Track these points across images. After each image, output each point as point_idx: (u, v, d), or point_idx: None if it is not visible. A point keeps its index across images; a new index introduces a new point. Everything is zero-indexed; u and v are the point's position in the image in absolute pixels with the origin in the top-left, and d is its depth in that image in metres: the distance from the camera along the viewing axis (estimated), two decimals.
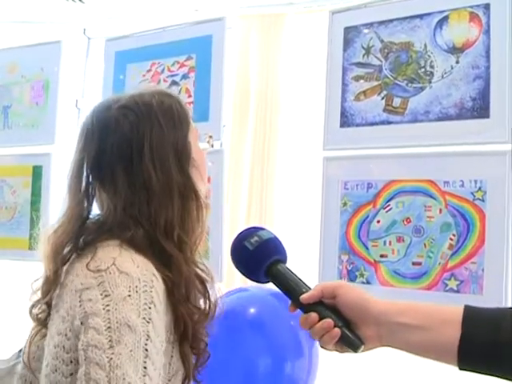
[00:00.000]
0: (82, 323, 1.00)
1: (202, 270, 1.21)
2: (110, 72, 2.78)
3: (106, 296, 1.01)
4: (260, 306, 1.25)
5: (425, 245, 2.12)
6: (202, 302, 1.21)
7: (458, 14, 2.14)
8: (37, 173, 2.85)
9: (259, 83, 3.35)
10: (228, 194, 3.33)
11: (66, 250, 1.15)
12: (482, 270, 2.02)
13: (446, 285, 2.08)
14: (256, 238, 1.17)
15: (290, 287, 1.12)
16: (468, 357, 0.99)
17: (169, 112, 1.24)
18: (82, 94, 3.56)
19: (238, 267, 1.20)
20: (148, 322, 1.01)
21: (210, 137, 1.39)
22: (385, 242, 2.20)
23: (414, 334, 1.03)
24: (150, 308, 1.03)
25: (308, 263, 2.54)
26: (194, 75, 2.60)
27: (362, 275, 2.23)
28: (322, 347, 1.09)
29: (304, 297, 1.08)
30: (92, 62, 3.64)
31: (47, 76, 2.92)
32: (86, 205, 1.20)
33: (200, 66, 2.59)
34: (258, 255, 1.16)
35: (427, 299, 2.10)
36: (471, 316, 1.01)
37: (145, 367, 0.98)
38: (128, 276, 1.04)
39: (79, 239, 1.16)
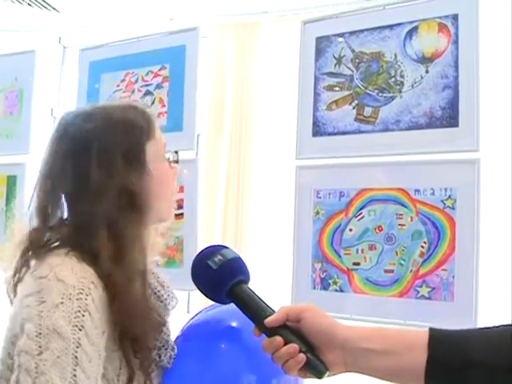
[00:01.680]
0: (20, 329, 1.02)
1: (137, 278, 1.18)
2: (85, 82, 2.78)
3: (41, 303, 1.02)
4: (242, 321, 1.23)
5: (396, 252, 2.14)
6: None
7: (427, 24, 2.17)
8: (11, 183, 2.84)
9: (234, 92, 3.38)
10: (204, 202, 3.34)
11: (25, 257, 1.16)
12: (453, 276, 2.04)
13: (418, 292, 2.10)
14: (220, 257, 1.14)
15: (254, 309, 1.10)
16: (435, 379, 0.98)
17: (128, 121, 1.25)
18: (57, 103, 3.55)
19: (198, 287, 1.17)
20: (80, 330, 1.02)
21: (176, 152, 1.38)
22: (357, 250, 2.21)
23: (379, 359, 1.02)
24: (83, 316, 1.03)
25: (282, 271, 2.55)
26: (167, 85, 2.60)
27: (335, 283, 2.24)
28: (285, 372, 1.06)
29: (268, 320, 1.07)
30: (67, 70, 3.64)
31: (21, 85, 2.91)
32: (46, 212, 1.22)
33: (173, 75, 2.59)
34: (222, 275, 1.13)
35: (399, 306, 2.12)
36: (437, 338, 1.00)
37: (74, 375, 0.98)
38: (63, 283, 1.05)
39: (39, 246, 1.17)
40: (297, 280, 2.32)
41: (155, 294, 1.29)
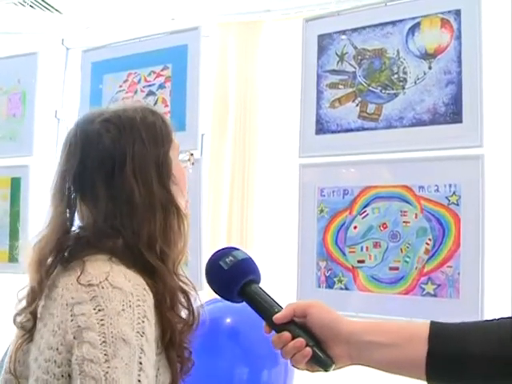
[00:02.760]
0: (74, 337, 1.02)
1: (183, 282, 1.22)
2: (87, 83, 2.78)
3: (99, 310, 1.03)
4: (236, 316, 1.25)
5: (401, 250, 2.13)
6: (183, 312, 1.22)
7: (429, 20, 2.16)
8: (15, 185, 2.84)
9: (238, 91, 3.37)
10: (209, 202, 3.34)
11: (50, 260, 1.15)
12: (458, 273, 2.03)
13: (423, 289, 2.09)
14: (231, 258, 1.17)
15: (264, 308, 1.13)
16: (436, 371, 1.00)
17: (151, 128, 1.25)
18: (61, 104, 3.56)
19: (212, 286, 1.20)
20: (142, 336, 1.03)
21: (191, 154, 1.40)
22: (362, 248, 2.21)
23: (382, 351, 1.04)
24: (143, 322, 1.05)
25: (287, 270, 2.55)
26: (170, 85, 2.60)
27: (340, 281, 2.24)
28: (293, 366, 1.10)
29: (277, 317, 1.09)
30: (71, 71, 3.65)
31: (24, 88, 2.91)
32: (68, 216, 1.21)
33: (176, 75, 2.59)
34: (233, 275, 1.16)
35: (405, 304, 2.11)
36: (437, 331, 1.02)
37: (139, 380, 1.00)
38: (121, 291, 1.06)
39: (63, 251, 1.17)
40: (301, 279, 2.32)
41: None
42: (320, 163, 2.35)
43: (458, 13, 2.11)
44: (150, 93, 2.64)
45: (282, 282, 2.74)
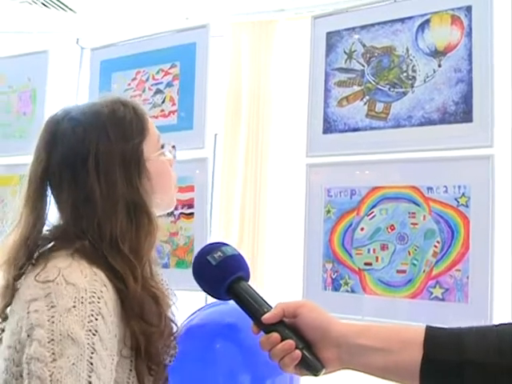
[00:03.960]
0: (28, 335, 0.98)
1: (154, 287, 1.16)
2: (96, 81, 2.77)
3: (51, 307, 0.99)
4: (240, 320, 1.20)
5: (409, 252, 2.08)
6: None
7: (439, 17, 2.10)
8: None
9: (251, 91, 3.34)
10: (221, 201, 3.32)
11: (21, 262, 1.12)
12: (467, 277, 1.97)
13: (431, 293, 2.03)
14: (220, 254, 1.13)
15: (252, 306, 1.09)
16: (430, 377, 0.97)
17: (120, 122, 1.21)
18: (75, 103, 3.55)
19: (199, 282, 1.16)
20: (94, 334, 0.98)
21: (173, 147, 1.35)
22: (369, 250, 2.16)
23: (374, 355, 1.01)
24: (96, 319, 1.00)
25: (294, 272, 2.51)
26: (178, 83, 2.58)
27: (346, 284, 2.19)
28: (282, 369, 1.05)
29: (265, 317, 1.05)
30: (85, 71, 3.64)
31: (34, 86, 2.91)
32: (38, 216, 1.17)
33: (184, 73, 2.57)
34: (221, 271, 1.12)
35: (412, 308, 2.06)
36: (433, 336, 0.99)
37: (89, 382, 0.95)
38: (74, 287, 1.01)
39: (34, 250, 1.13)
40: (307, 280, 2.28)
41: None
42: (327, 163, 2.30)
43: (468, 9, 2.05)
44: (158, 91, 2.62)
45: (289, 284, 2.71)
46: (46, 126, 1.23)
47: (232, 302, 1.15)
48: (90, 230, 1.13)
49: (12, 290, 1.11)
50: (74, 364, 0.94)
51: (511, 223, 2.44)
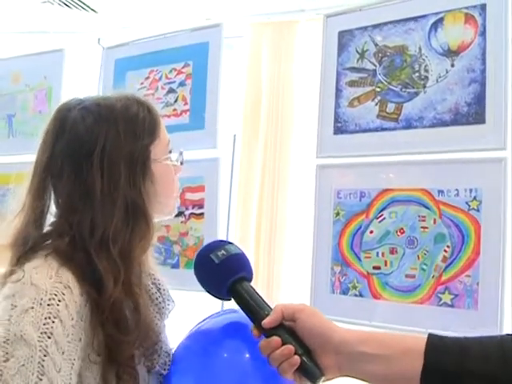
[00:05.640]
0: None
1: (137, 293, 1.12)
2: (110, 79, 2.77)
3: (14, 307, 0.98)
4: (247, 331, 1.17)
5: (418, 257, 2.04)
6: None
7: (453, 15, 2.05)
8: None
9: (270, 91, 3.31)
10: (238, 203, 3.30)
11: (18, 255, 1.11)
12: (477, 283, 1.92)
13: (440, 299, 1.98)
14: (223, 252, 1.11)
15: (253, 309, 1.07)
16: None
17: (132, 119, 1.18)
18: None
19: (200, 281, 1.14)
20: (49, 337, 0.96)
21: (181, 153, 1.32)
22: (378, 254, 2.11)
23: (374, 363, 0.98)
24: (53, 322, 0.97)
25: (302, 274, 2.47)
26: (190, 82, 2.56)
27: (354, 287, 2.15)
28: (280, 375, 1.03)
29: (266, 322, 1.03)
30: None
31: (50, 84, 2.93)
32: (38, 207, 1.15)
33: (196, 73, 2.56)
34: (224, 270, 1.10)
35: (420, 314, 2.02)
36: (435, 345, 0.96)
37: None
38: (36, 288, 1.00)
39: (31, 245, 1.11)
40: (316, 283, 2.24)
41: (149, 297, 1.22)
42: (337, 164, 2.27)
43: (483, 7, 2.00)
44: (171, 90, 2.61)
45: (297, 286, 2.68)
46: (57, 112, 1.19)
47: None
48: (81, 225, 1.09)
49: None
50: (23, 365, 0.93)
51: None
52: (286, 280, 3.14)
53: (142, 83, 2.68)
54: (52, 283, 1.01)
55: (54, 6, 3.43)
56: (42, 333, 0.96)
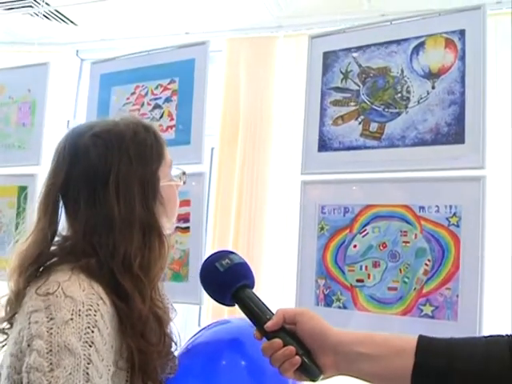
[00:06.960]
0: (28, 345, 1.03)
1: (158, 306, 1.21)
2: (95, 94, 2.80)
3: (50, 319, 1.03)
4: (245, 337, 1.25)
5: (400, 270, 2.12)
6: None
7: (434, 39, 2.15)
8: (21, 193, 2.86)
9: (248, 105, 3.36)
10: (216, 216, 3.33)
11: (29, 272, 1.16)
12: (457, 295, 2.01)
13: (422, 310, 2.07)
14: (227, 261, 1.19)
15: (256, 313, 1.15)
16: None
17: (141, 145, 1.25)
18: (73, 115, 3.59)
19: (205, 288, 1.22)
20: (90, 346, 1.03)
21: (184, 173, 1.40)
22: (361, 267, 2.19)
23: (369, 363, 1.06)
24: (92, 332, 1.04)
25: (287, 287, 2.53)
26: (176, 98, 2.61)
27: (338, 300, 2.22)
28: (281, 374, 1.11)
29: (268, 325, 1.11)
30: (85, 83, 3.67)
31: (34, 97, 2.94)
32: (51, 228, 1.21)
33: (182, 89, 2.60)
34: (228, 277, 1.18)
35: (403, 325, 2.09)
36: (425, 345, 1.03)
37: None
38: (72, 299, 1.06)
39: (42, 263, 1.18)
40: (300, 296, 2.30)
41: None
42: (322, 180, 2.33)
43: (462, 33, 2.10)
44: (157, 106, 2.65)
45: (282, 298, 2.73)
46: (68, 137, 1.26)
47: (236, 320, 1.19)
48: (103, 248, 1.16)
49: (19, 300, 1.15)
50: (70, 374, 0.99)
51: (503, 244, 2.46)
52: (263, 292, 3.20)
53: (127, 98, 2.71)
54: (86, 295, 1.08)
55: (34, 18, 3.44)
56: (84, 342, 1.02)
